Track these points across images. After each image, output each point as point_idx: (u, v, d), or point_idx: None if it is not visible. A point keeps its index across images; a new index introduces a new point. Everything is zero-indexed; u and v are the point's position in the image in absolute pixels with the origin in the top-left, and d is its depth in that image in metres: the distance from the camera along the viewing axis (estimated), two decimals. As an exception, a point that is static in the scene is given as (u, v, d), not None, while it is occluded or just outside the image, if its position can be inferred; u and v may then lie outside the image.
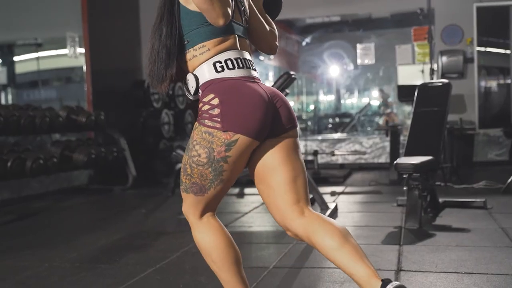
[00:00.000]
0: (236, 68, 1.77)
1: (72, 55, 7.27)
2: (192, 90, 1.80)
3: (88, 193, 6.60)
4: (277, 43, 2.02)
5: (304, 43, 11.61)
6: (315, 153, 7.24)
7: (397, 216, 4.38)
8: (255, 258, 3.21)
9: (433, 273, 2.76)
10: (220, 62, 1.76)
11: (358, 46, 8.81)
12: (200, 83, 1.77)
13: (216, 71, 1.75)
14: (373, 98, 12.00)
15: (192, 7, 1.75)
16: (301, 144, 8.23)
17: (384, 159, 8.17)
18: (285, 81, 4.40)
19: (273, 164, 1.80)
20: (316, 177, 6.54)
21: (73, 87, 7.82)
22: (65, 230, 4.48)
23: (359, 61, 8.85)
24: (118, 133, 6.96)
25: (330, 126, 10.78)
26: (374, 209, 4.88)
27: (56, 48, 7.82)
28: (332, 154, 7.91)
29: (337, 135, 9.58)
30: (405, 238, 3.58)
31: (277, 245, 3.57)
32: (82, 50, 7.32)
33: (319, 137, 9.11)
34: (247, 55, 1.85)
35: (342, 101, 12.42)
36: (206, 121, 1.71)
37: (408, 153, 4.36)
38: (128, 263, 3.21)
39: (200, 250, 1.90)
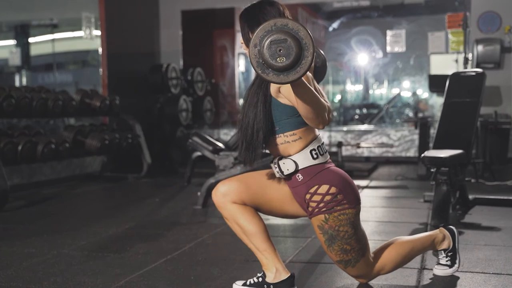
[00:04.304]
0: (324, 154, 2.20)
1: (87, 36, 7.08)
2: (286, 172, 2.16)
3: (101, 180, 6.47)
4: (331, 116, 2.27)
5: (330, 29, 11.27)
6: (339, 144, 6.96)
7: (423, 212, 4.22)
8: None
9: (458, 272, 2.61)
10: (315, 150, 2.16)
11: (388, 32, 8.44)
12: (300, 168, 2.15)
13: (313, 158, 2.16)
14: (403, 89, 11.60)
15: (283, 100, 2.09)
16: (325, 134, 7.96)
17: (412, 152, 7.84)
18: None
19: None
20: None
21: (89, 70, 7.69)
22: (75, 218, 4.38)
23: (388, 49, 8.48)
24: (133, 119, 6.78)
25: (356, 117, 10.42)
26: (399, 204, 4.69)
27: (72, 30, 7.66)
28: (358, 146, 7.62)
29: (363, 127, 9.23)
30: (430, 237, 3.34)
31: (294, 239, 3.49)
32: (98, 32, 7.14)
33: (344, 128, 8.79)
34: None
35: (370, 91, 12.03)
36: (335, 207, 2.15)
37: (437, 146, 4.19)
38: (138, 252, 3.14)
39: None
